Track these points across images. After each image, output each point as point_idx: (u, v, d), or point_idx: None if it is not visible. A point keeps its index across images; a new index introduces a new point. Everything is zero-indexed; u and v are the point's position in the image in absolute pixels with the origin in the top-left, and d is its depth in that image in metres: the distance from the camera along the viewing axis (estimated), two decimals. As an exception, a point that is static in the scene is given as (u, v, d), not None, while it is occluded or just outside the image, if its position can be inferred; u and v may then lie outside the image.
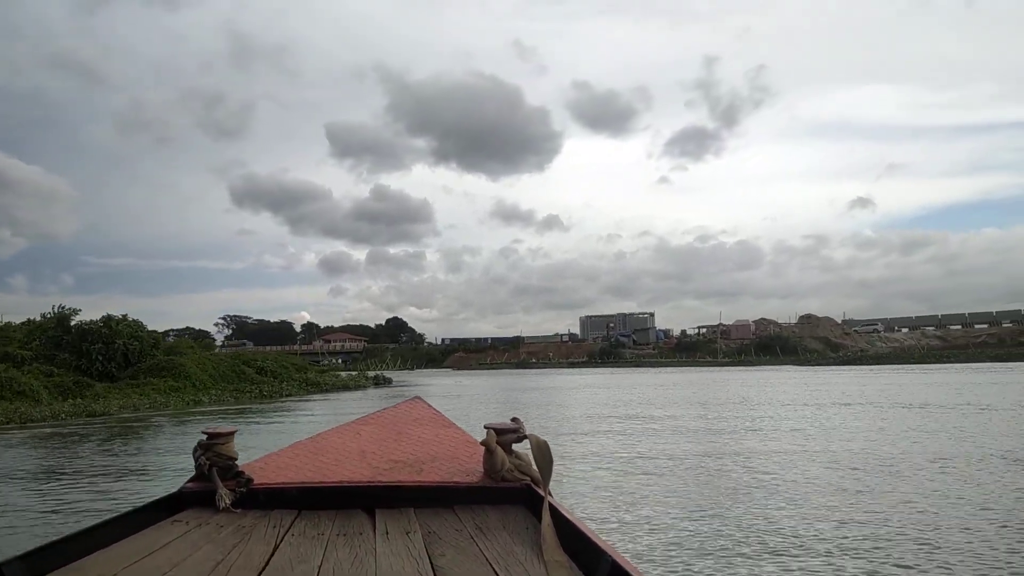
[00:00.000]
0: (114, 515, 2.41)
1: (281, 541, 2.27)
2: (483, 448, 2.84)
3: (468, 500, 2.71)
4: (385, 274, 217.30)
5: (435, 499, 2.72)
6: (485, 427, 2.84)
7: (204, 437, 2.82)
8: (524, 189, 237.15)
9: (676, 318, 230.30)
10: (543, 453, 2.56)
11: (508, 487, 2.74)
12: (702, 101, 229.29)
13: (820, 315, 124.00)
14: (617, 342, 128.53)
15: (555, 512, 2.28)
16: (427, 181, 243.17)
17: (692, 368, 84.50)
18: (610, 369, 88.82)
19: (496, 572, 1.93)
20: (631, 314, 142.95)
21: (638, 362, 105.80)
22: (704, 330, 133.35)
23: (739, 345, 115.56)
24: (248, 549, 2.17)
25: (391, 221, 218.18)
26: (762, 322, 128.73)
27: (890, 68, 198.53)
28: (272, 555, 2.11)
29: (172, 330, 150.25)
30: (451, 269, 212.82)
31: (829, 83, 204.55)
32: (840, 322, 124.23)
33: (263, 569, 1.97)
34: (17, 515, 8.53)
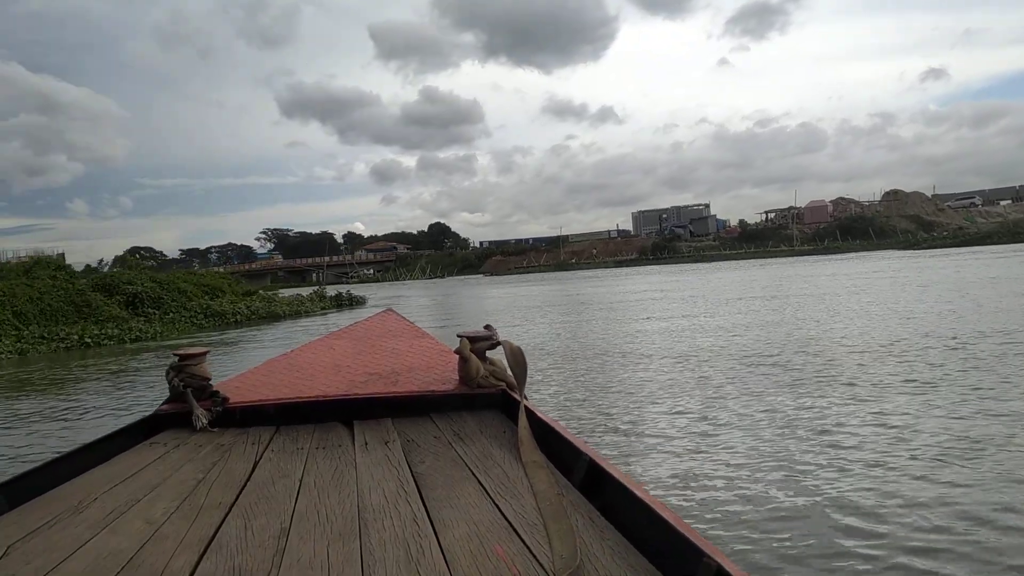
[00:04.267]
0: (90, 440, 2.40)
1: (261, 457, 2.28)
2: (457, 356, 2.86)
3: (445, 408, 2.76)
4: (436, 180, 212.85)
5: (412, 408, 2.76)
6: (458, 335, 2.85)
7: (176, 359, 2.82)
8: (577, 82, 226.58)
9: (735, 208, 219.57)
10: (517, 359, 2.57)
11: (484, 393, 2.78)
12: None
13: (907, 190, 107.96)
14: (672, 235, 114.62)
15: (531, 415, 2.31)
16: (476, 79, 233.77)
17: (765, 260, 70.87)
18: (664, 267, 75.68)
19: (475, 475, 1.96)
20: (686, 206, 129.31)
21: (697, 256, 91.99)
22: (772, 215, 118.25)
23: (815, 230, 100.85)
24: (228, 467, 2.18)
25: (441, 124, 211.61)
26: (840, 202, 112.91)
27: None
28: (253, 471, 2.13)
29: (214, 247, 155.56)
30: (502, 171, 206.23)
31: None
32: (930, 196, 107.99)
33: (245, 485, 1.98)
34: None
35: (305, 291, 33.90)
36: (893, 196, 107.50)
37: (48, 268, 23.86)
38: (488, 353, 2.89)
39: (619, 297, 25.53)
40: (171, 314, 22.04)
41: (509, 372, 2.70)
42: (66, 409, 8.53)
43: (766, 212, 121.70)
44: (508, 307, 24.62)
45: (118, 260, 34.66)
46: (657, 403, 6.66)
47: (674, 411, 6.28)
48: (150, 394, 9.00)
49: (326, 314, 27.71)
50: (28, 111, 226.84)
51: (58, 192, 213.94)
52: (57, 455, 2.22)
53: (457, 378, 2.91)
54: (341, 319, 23.67)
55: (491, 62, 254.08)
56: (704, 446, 5.06)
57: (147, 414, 2.77)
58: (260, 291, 29.03)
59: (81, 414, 8.13)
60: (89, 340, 17.25)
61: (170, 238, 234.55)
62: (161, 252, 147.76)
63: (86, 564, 1.50)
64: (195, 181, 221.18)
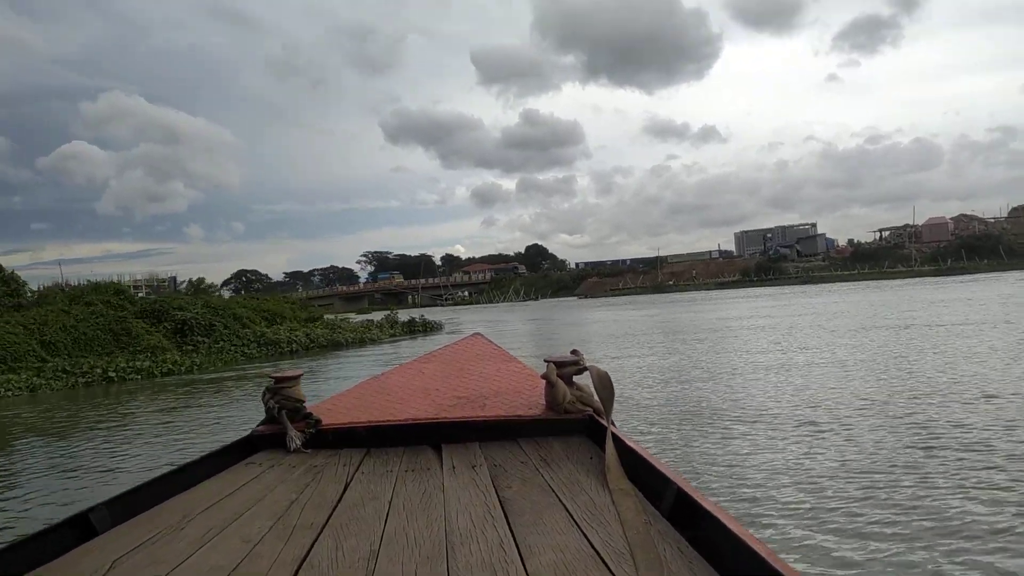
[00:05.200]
0: (191, 460, 2.45)
1: (352, 479, 2.29)
2: (544, 381, 2.83)
3: (532, 433, 2.73)
4: (536, 202, 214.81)
5: (499, 433, 2.74)
6: (546, 360, 2.84)
7: (272, 381, 2.85)
8: (679, 101, 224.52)
9: (843, 228, 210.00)
10: (604, 384, 2.56)
11: (571, 418, 2.74)
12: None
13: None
14: (777, 255, 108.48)
15: (618, 441, 2.27)
16: (577, 101, 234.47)
17: (881, 282, 64.97)
18: (769, 289, 70.65)
19: (562, 502, 1.93)
20: (791, 226, 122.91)
21: (805, 277, 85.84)
22: (887, 233, 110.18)
23: (935, 249, 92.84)
24: (321, 488, 2.20)
25: (542, 147, 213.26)
26: (962, 219, 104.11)
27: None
28: (344, 492, 2.14)
29: (316, 269, 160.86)
30: (602, 192, 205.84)
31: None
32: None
33: (336, 506, 2.01)
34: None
35: (380, 315, 31.88)
36: (1022, 212, 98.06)
37: (105, 293, 22.60)
38: (575, 378, 2.83)
39: (724, 325, 22.20)
40: (221, 343, 20.31)
41: (596, 397, 2.66)
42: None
43: (879, 230, 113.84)
44: (593, 337, 21.72)
45: (191, 285, 33.50)
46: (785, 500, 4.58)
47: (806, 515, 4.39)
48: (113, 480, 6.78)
49: (396, 341, 25.57)
50: (149, 141, 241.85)
51: (176, 218, 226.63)
52: (159, 474, 2.26)
53: (544, 403, 2.85)
54: (410, 349, 21.46)
55: (592, 83, 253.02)
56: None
57: (244, 435, 2.81)
58: (325, 315, 27.02)
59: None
60: (113, 374, 15.54)
61: (280, 262, 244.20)
62: (267, 275, 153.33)
63: None
64: (304, 206, 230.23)
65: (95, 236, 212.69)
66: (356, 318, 32.47)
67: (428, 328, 29.58)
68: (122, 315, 19.15)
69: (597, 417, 2.68)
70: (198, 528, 1.87)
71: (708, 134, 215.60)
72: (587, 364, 2.78)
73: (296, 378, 2.89)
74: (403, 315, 30.86)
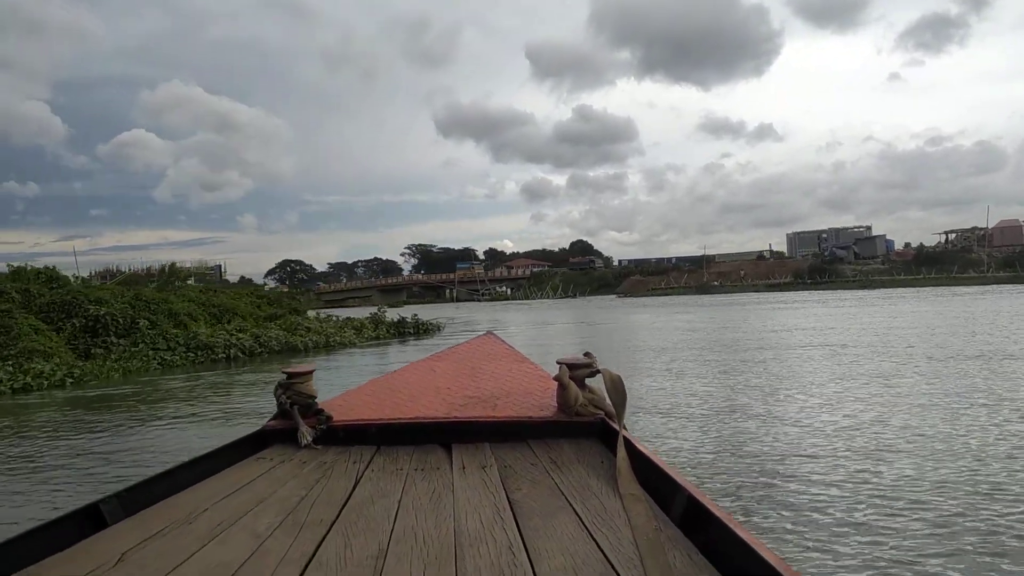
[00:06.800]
0: (202, 453, 2.46)
1: (362, 476, 2.30)
2: (556, 383, 2.82)
3: (543, 434, 2.73)
4: (586, 198, 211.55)
5: (510, 434, 2.73)
6: (558, 362, 2.82)
7: (284, 376, 2.86)
8: (737, 99, 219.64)
9: (899, 231, 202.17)
10: (617, 387, 2.52)
11: (582, 421, 2.74)
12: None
13: None
14: (833, 256, 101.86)
15: (630, 446, 2.26)
16: (631, 97, 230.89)
17: (949, 288, 58.87)
18: (824, 293, 64.91)
19: (571, 504, 1.93)
20: (846, 228, 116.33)
21: (864, 281, 79.46)
22: (953, 236, 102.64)
23: (1007, 254, 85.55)
24: (331, 485, 2.20)
25: (594, 142, 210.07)
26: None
27: None
28: (353, 490, 2.14)
29: (360, 261, 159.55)
30: (653, 189, 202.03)
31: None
32: None
33: (345, 503, 2.01)
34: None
35: (370, 311, 27.72)
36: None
37: (31, 281, 19.00)
38: (587, 381, 2.82)
39: (776, 339, 17.61)
40: (141, 345, 16.52)
41: (608, 401, 2.65)
42: None
43: (945, 233, 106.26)
44: (609, 347, 17.37)
45: (163, 272, 30.15)
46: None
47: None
48: None
49: (378, 346, 21.61)
50: (206, 130, 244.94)
51: (230, 207, 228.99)
52: (171, 467, 2.25)
53: (555, 405, 2.85)
54: (379, 363, 17.59)
55: (647, 79, 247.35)
56: None
57: (255, 430, 2.80)
58: (292, 315, 22.58)
59: None
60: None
61: (329, 253, 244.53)
62: (311, 265, 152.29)
63: (194, 575, 1.53)
64: (355, 198, 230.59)
65: (152, 223, 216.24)
66: (345, 314, 28.39)
67: (420, 330, 25.45)
68: (5, 308, 15.41)
69: (609, 421, 2.68)
70: (207, 522, 1.86)
71: (764, 132, 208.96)
72: (599, 367, 2.75)
73: (308, 373, 2.89)
74: (392, 313, 26.42)
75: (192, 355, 16.93)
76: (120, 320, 17.01)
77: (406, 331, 24.83)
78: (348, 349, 20.47)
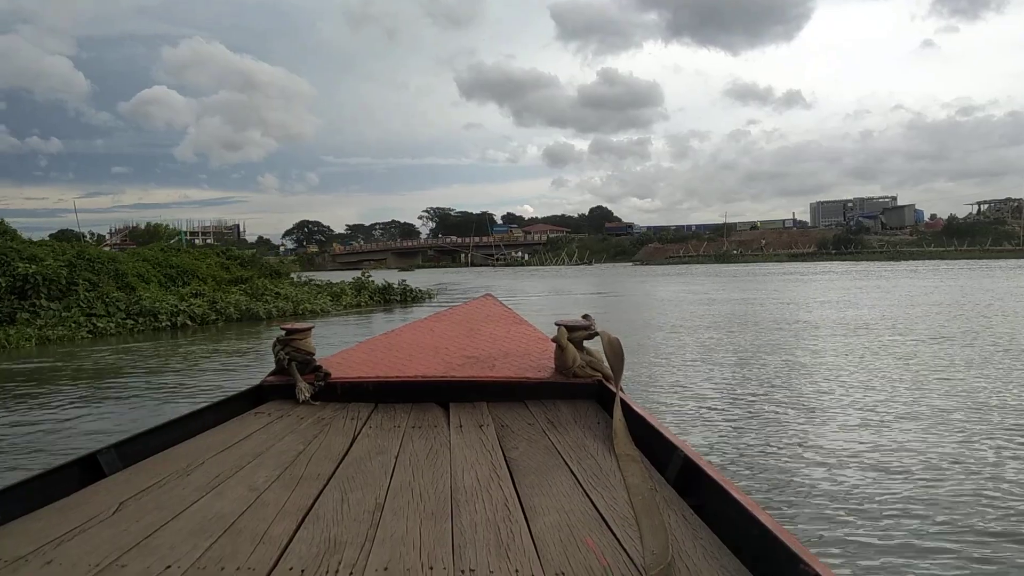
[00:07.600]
0: (201, 406, 2.47)
1: (359, 433, 2.30)
2: (554, 345, 2.79)
3: (540, 395, 2.72)
4: (608, 164, 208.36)
5: (507, 394, 2.73)
6: (556, 324, 2.79)
7: (283, 333, 2.85)
8: (764, 64, 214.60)
9: (926, 202, 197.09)
10: (614, 350, 2.44)
11: (579, 383, 2.72)
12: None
13: None
14: (859, 227, 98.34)
15: (627, 407, 2.23)
16: (657, 60, 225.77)
17: (983, 261, 55.86)
18: (849, 264, 62.09)
19: (568, 464, 1.92)
20: (871, 198, 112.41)
21: (892, 252, 76.33)
22: (985, 207, 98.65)
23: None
24: (328, 440, 2.20)
25: (618, 107, 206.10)
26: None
27: None
28: (351, 445, 2.14)
29: (378, 223, 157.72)
30: (676, 156, 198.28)
31: None
32: None
33: (343, 458, 2.00)
34: None
35: (407, 272, 25.66)
36: None
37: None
38: (586, 343, 2.78)
39: (801, 315, 15.37)
40: (74, 309, 14.59)
41: (606, 363, 2.58)
42: None
43: (978, 203, 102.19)
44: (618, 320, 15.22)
45: (150, 229, 28.22)
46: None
47: None
48: None
49: (357, 314, 19.61)
50: (228, 89, 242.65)
51: (251, 167, 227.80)
52: (169, 418, 2.23)
53: (553, 366, 2.83)
54: (353, 332, 15.69)
55: (674, 43, 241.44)
56: None
57: (254, 384, 2.77)
58: (260, 278, 20.32)
59: None
60: None
61: (349, 215, 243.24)
62: (328, 227, 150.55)
63: (192, 525, 1.51)
64: (376, 160, 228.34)
65: (174, 181, 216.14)
66: (337, 277, 26.35)
67: (409, 298, 23.36)
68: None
69: (606, 383, 2.64)
70: (205, 474, 1.85)
71: (792, 99, 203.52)
72: (598, 329, 2.69)
73: (307, 330, 2.87)
74: (378, 277, 24.19)
75: (131, 322, 14.98)
76: (54, 280, 15.03)
77: (391, 298, 22.78)
78: (319, 319, 18.43)
